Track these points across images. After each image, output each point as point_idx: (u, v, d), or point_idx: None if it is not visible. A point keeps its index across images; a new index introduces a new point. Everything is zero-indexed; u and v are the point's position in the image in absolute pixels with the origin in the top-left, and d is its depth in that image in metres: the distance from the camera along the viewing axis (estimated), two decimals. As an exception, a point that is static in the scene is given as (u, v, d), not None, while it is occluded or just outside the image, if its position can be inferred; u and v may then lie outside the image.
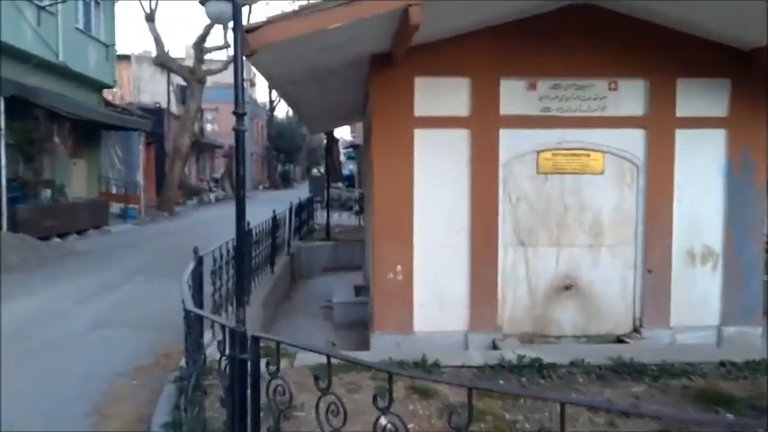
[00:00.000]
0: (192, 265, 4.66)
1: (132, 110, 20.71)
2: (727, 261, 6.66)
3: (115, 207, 18.55)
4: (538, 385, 4.48)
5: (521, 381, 4.58)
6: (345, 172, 41.95)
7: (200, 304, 4.68)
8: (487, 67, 6.39)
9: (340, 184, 27.96)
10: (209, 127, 39.83)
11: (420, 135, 6.43)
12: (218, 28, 20.72)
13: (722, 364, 4.82)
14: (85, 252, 12.80)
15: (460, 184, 6.49)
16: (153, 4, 21.21)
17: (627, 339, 6.60)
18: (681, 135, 6.59)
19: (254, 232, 7.61)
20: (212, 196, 31.54)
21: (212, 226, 18.34)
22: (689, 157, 6.61)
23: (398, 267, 6.47)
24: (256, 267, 7.92)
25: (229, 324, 2.86)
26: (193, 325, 3.65)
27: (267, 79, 6.17)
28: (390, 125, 6.40)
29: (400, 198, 6.43)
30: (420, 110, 6.41)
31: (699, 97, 6.59)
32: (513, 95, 6.48)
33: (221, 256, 5.71)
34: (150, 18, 20.84)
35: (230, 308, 6.03)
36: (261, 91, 76.14)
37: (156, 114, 23.81)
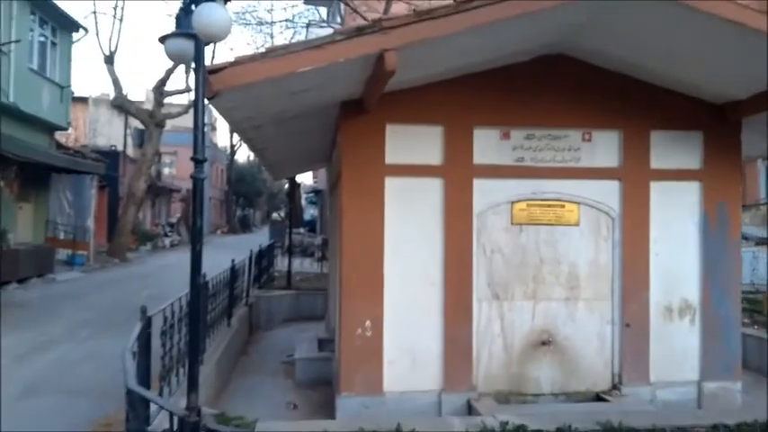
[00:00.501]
0: (137, 330, 4.15)
1: (86, 153, 19.99)
2: (705, 315, 6.51)
3: (62, 254, 17.62)
4: (525, 457, 4.11)
5: (505, 452, 4.20)
6: (307, 217, 41.58)
7: (146, 375, 4.16)
8: (461, 115, 6.22)
9: (302, 230, 27.49)
10: (166, 170, 39.01)
11: (391, 183, 6.16)
12: (179, 71, 20.43)
13: (715, 427, 4.55)
14: (25, 304, 11.95)
15: (433, 235, 6.21)
16: (112, 46, 20.81)
17: (607, 397, 6.31)
18: (655, 187, 6.50)
19: (210, 284, 7.09)
20: (167, 241, 30.57)
21: (166, 273, 17.56)
22: (664, 209, 6.51)
23: (367, 323, 6.07)
24: (212, 322, 7.39)
25: (178, 412, 2.42)
26: (137, 406, 3.17)
27: (229, 123, 5.84)
28: (360, 173, 6.12)
29: (370, 249, 6.10)
30: (391, 157, 6.15)
31: (672, 149, 6.55)
32: (487, 145, 6.31)
33: (173, 313, 5.21)
34: (109, 60, 20.39)
35: (181, 370, 5.51)
36: (222, 134, 75.54)
37: (111, 157, 23.12)
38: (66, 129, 19.27)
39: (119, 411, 5.55)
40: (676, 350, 6.51)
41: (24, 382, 6.67)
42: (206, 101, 4.26)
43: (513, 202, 6.38)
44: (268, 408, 6.61)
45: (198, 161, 3.50)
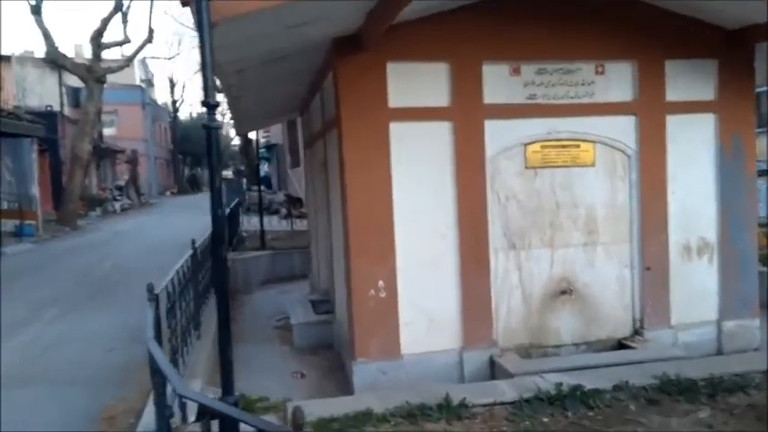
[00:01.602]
0: (151, 313, 3.52)
1: (20, 114, 18.30)
2: (722, 253, 6.30)
3: (8, 224, 16.29)
4: (589, 419, 3.77)
5: (566, 415, 3.85)
6: (260, 173, 40.40)
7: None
8: (468, 49, 5.63)
9: (262, 187, 26.55)
10: (107, 131, 36.76)
11: (396, 130, 5.57)
12: (116, 21, 18.79)
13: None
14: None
15: (444, 184, 5.70)
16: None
17: (630, 343, 6.07)
18: (671, 121, 6.13)
19: (198, 251, 6.42)
20: (117, 205, 29.02)
21: (125, 241, 16.54)
22: (680, 145, 6.18)
23: (380, 283, 5.58)
24: (203, 292, 6.76)
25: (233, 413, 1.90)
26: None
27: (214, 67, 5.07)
28: (362, 119, 5.49)
29: (377, 203, 5.55)
30: (395, 101, 5.54)
31: (687, 80, 6.17)
32: (497, 82, 5.77)
33: (174, 288, 4.58)
34: (36, 10, 18.50)
35: (185, 349, 4.92)
36: (161, 91, 71.90)
37: (47, 119, 21.29)
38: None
39: (119, 400, 4.99)
40: (695, 290, 6.30)
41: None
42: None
43: (526, 145, 5.91)
44: (273, 379, 6.10)
45: (210, 106, 2.85)
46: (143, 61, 42.06)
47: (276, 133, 28.82)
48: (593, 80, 5.98)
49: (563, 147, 5.98)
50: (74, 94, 29.80)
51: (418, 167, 5.64)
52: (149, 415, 3.75)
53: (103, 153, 30.99)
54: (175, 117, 52.27)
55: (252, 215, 18.39)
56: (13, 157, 17.84)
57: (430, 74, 5.62)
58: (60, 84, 24.59)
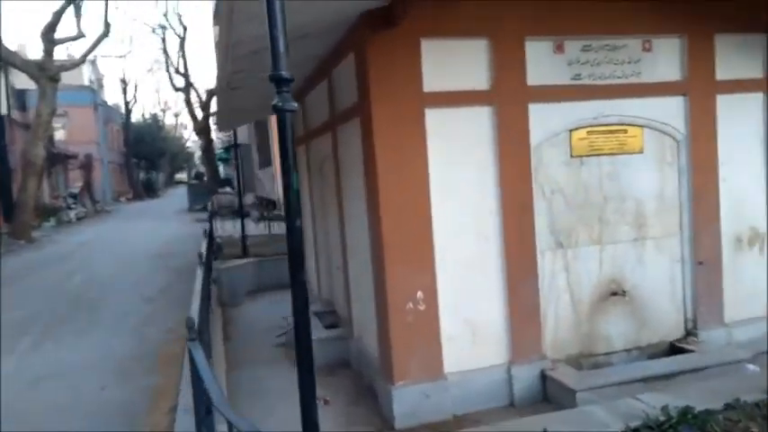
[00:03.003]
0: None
1: (-37, 119, 16.81)
2: (775, 243, 5.83)
3: (-45, 240, 14.89)
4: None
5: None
6: (221, 175, 38.94)
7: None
8: (510, 23, 4.97)
9: (228, 189, 25.42)
10: (57, 135, 34.78)
11: (432, 117, 4.87)
12: (68, 15, 17.44)
13: None
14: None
15: (486, 178, 5.04)
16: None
17: (684, 345, 5.54)
18: (721, 101, 5.62)
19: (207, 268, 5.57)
20: (72, 214, 27.37)
21: (89, 253, 15.27)
22: (729, 127, 5.67)
23: (419, 294, 4.88)
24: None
25: None
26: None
27: (231, 48, 4.25)
28: (394, 106, 4.77)
29: (414, 203, 4.84)
30: (430, 84, 4.84)
31: (736, 56, 5.67)
32: (540, 61, 5.13)
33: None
34: (-21, 5, 17.01)
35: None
36: (110, 92, 68.97)
37: (-7, 123, 19.77)
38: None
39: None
40: (746, 284, 5.83)
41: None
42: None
43: (571, 131, 5.30)
44: (292, 406, 5.29)
45: (283, 80, 2.09)
46: (93, 60, 40.03)
47: (243, 132, 27.73)
48: (639, 58, 5.40)
49: (610, 132, 5.39)
50: (18, 97, 27.97)
51: (457, 160, 4.96)
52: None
53: (55, 158, 29.22)
54: (128, 118, 50.08)
55: (220, 220, 17.39)
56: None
57: (468, 52, 4.94)
58: (6, 85, 22.86)
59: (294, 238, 2.28)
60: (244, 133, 25.26)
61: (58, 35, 18.63)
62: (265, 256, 11.73)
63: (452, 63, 4.90)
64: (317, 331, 6.84)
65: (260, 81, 6.02)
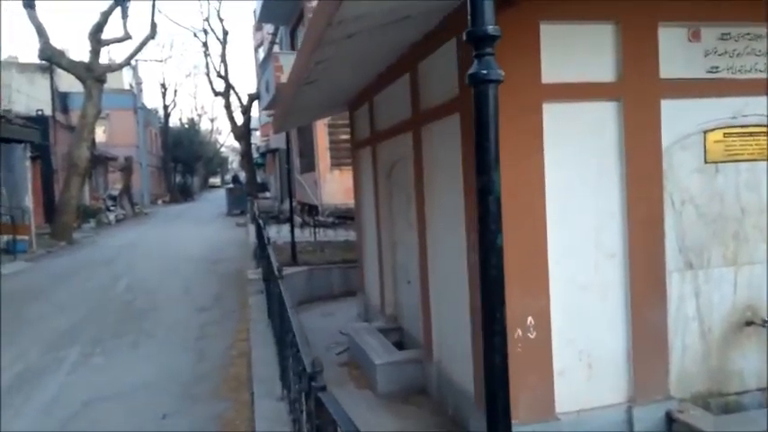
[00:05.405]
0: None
1: (10, 117, 16.65)
2: None
3: (0, 240, 14.64)
4: None
5: None
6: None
7: None
8: (641, 5, 4.24)
9: (268, 194, 25.00)
10: (98, 137, 34.94)
11: (551, 112, 4.17)
12: (116, 16, 17.22)
13: None
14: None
15: (611, 186, 4.31)
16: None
17: (832, 388, 4.70)
18: None
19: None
20: (111, 216, 27.29)
21: (131, 256, 14.85)
22: None
23: (529, 320, 4.16)
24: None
25: None
26: None
27: (330, 27, 3.63)
28: (508, 100, 4.04)
29: (527, 212, 4.15)
30: (549, 74, 4.14)
31: None
32: (674, 50, 4.39)
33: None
34: (29, 4, 16.88)
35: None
36: (150, 95, 69.66)
37: (38, 123, 19.64)
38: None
39: None
40: None
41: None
42: None
43: (706, 132, 4.54)
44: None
45: (486, 37, 1.44)
46: (134, 65, 40.24)
47: (276, 138, 27.32)
48: (784, 48, 4.62)
49: (750, 134, 4.61)
50: (62, 98, 28.08)
51: (577, 163, 4.26)
52: None
53: (96, 160, 29.24)
54: (167, 122, 50.40)
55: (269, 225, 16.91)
56: (5, 166, 16.17)
57: (593, 39, 4.24)
58: (52, 86, 22.85)
59: (493, 261, 1.62)
60: (279, 139, 24.83)
61: (104, 36, 18.46)
62: (315, 264, 11.16)
63: (575, 51, 4.21)
64: (390, 354, 6.18)
65: (338, 73, 5.43)
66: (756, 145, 4.63)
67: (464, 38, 1.59)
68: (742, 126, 4.57)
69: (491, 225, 1.60)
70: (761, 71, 4.57)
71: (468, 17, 1.55)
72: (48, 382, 5.85)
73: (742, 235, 4.65)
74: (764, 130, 4.62)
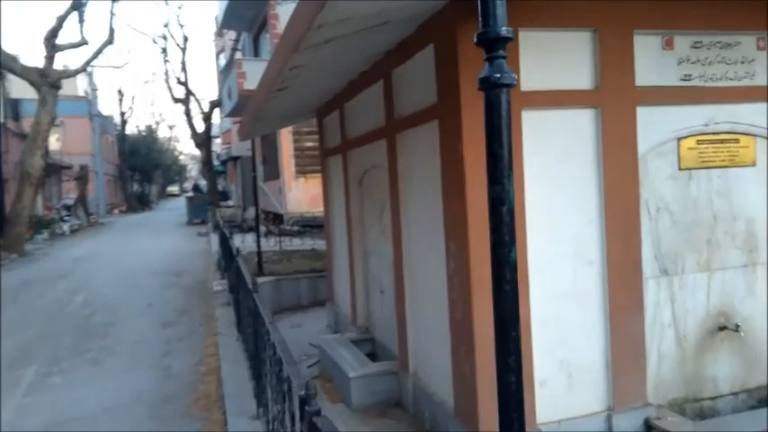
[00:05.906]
0: None
1: (-43, 126, 15.93)
2: None
3: (-55, 253, 13.92)
4: None
5: None
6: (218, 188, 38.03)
7: None
8: (618, 12, 4.26)
9: (230, 202, 24.55)
10: (51, 145, 33.78)
11: (530, 120, 4.13)
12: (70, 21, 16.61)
13: None
14: None
15: (589, 194, 4.30)
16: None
17: (802, 391, 4.79)
18: (841, 108, 4.93)
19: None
20: (66, 227, 26.36)
21: (87, 269, 14.32)
22: None
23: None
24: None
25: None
26: None
27: (310, 29, 3.50)
28: (486, 106, 4.02)
29: (507, 220, 4.07)
30: (528, 81, 4.10)
31: None
32: (648, 58, 4.42)
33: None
34: (-23, 7, 16.22)
35: None
36: (105, 104, 68.02)
37: (-13, 131, 18.87)
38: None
39: None
40: None
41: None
42: None
43: (680, 139, 4.58)
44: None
45: (498, 39, 1.36)
46: (89, 70, 39.16)
47: (238, 145, 26.91)
48: (753, 57, 4.71)
49: (721, 142, 4.67)
50: (13, 105, 27.07)
51: (556, 171, 4.23)
52: None
53: (50, 169, 28.25)
54: (123, 130, 49.17)
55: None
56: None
57: (571, 46, 4.22)
58: (3, 93, 21.98)
59: (508, 276, 1.53)
60: (241, 147, 24.46)
61: (60, 41, 17.84)
62: (282, 274, 10.93)
63: (553, 58, 4.18)
64: (365, 367, 6.03)
65: (310, 80, 5.30)
66: (727, 152, 4.70)
67: (474, 40, 1.50)
68: (714, 133, 4.63)
69: (505, 237, 1.51)
70: (731, 79, 4.65)
71: (479, 19, 1.46)
72: (3, 405, 5.48)
73: (714, 241, 4.70)
74: (734, 137, 4.69)
